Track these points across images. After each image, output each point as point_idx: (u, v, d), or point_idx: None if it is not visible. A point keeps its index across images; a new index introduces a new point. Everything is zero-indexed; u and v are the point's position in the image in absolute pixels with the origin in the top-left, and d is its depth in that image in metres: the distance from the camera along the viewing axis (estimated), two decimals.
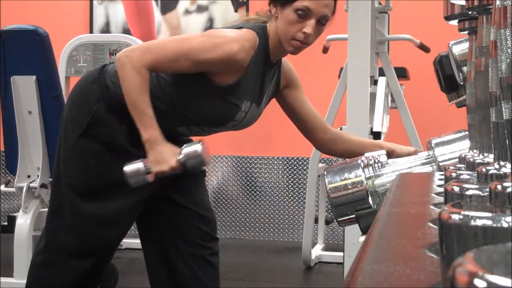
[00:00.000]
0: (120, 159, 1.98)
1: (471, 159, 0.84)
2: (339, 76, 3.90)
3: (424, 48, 3.98)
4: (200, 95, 1.91)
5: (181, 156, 1.84)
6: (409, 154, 1.92)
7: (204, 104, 1.91)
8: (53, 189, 2.08)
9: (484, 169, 0.63)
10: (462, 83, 1.61)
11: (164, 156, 1.84)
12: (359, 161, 1.46)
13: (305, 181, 4.61)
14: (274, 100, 2.14)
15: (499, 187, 0.50)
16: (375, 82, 3.61)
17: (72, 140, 1.98)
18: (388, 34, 3.87)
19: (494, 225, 0.44)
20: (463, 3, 0.89)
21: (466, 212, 0.46)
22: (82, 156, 1.98)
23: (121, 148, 1.97)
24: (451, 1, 1.04)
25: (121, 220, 2.03)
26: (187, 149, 1.84)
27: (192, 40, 1.87)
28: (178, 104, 1.92)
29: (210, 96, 1.90)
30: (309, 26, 1.85)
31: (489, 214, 0.45)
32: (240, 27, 1.91)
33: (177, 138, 2.09)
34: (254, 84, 1.94)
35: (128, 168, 1.85)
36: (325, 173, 1.47)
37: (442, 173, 1.09)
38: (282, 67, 2.07)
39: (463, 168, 0.87)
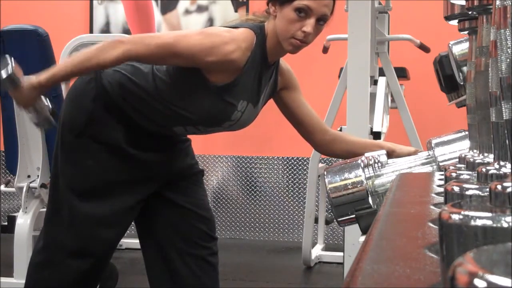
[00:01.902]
0: (117, 158, 1.98)
1: (471, 159, 0.84)
2: (339, 76, 3.90)
3: (424, 48, 3.98)
4: (196, 94, 1.91)
5: (36, 109, 1.93)
6: (409, 154, 1.92)
7: (200, 103, 1.91)
8: (51, 189, 2.08)
9: (484, 169, 0.63)
10: (462, 83, 1.61)
11: (30, 99, 1.90)
12: (359, 161, 1.46)
13: (305, 181, 4.61)
14: (273, 100, 2.14)
15: (499, 187, 0.50)
16: (375, 82, 3.61)
17: (70, 140, 1.99)
18: (388, 34, 3.87)
19: (494, 225, 0.44)
20: (463, 3, 0.88)
21: (466, 212, 0.46)
22: (80, 156, 1.98)
23: (118, 147, 1.97)
24: (451, 1, 1.04)
25: (120, 220, 2.03)
26: (43, 111, 1.94)
27: (189, 37, 1.87)
28: (174, 103, 1.92)
29: (206, 95, 1.90)
30: (308, 25, 1.85)
31: (489, 214, 0.45)
32: (237, 27, 1.91)
33: (173, 138, 2.09)
34: (251, 84, 1.94)
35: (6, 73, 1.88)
36: (325, 173, 1.47)
37: (442, 173, 1.09)
38: (280, 68, 2.06)
39: (463, 168, 0.87)
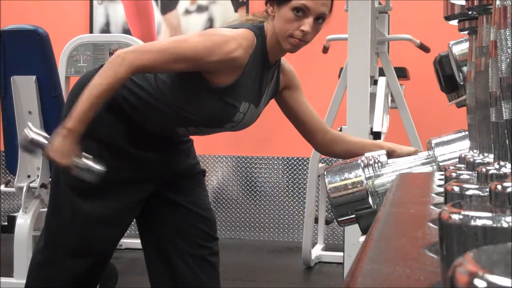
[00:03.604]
0: (118, 158, 1.98)
1: (471, 159, 0.84)
2: (339, 76, 3.90)
3: (424, 48, 3.98)
4: (197, 95, 1.91)
5: (80, 162, 1.82)
6: (409, 154, 1.92)
7: (201, 105, 1.91)
8: (52, 188, 2.08)
9: (484, 169, 0.63)
10: (462, 83, 1.60)
11: (66, 150, 1.81)
12: (359, 161, 1.46)
13: (305, 181, 4.61)
14: (274, 100, 2.14)
15: (499, 187, 0.50)
16: (375, 82, 3.61)
17: None
18: (388, 34, 3.87)
19: (494, 225, 0.44)
20: (463, 3, 0.89)
21: (466, 212, 0.46)
22: None
23: (119, 147, 1.98)
24: (451, 1, 1.04)
25: (120, 220, 2.03)
26: (88, 161, 1.83)
27: (191, 41, 1.87)
28: (175, 104, 1.92)
29: (208, 97, 1.90)
30: (307, 24, 1.84)
31: (489, 214, 0.45)
32: (237, 27, 1.91)
33: (174, 138, 2.09)
34: (252, 85, 1.94)
35: (34, 135, 1.84)
36: (325, 173, 1.47)
37: (442, 173, 1.09)
38: (282, 68, 2.06)
39: (463, 168, 0.87)
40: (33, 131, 1.85)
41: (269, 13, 1.92)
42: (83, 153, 1.83)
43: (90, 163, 1.83)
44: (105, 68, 1.82)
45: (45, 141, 1.83)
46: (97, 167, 1.83)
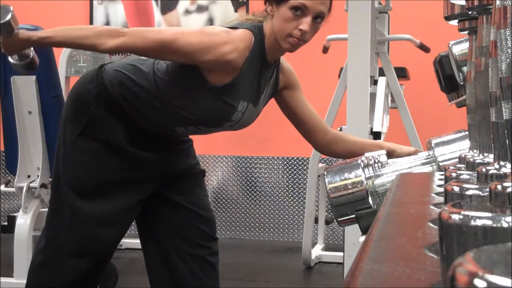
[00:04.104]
0: (118, 158, 1.98)
1: (471, 159, 0.84)
2: (339, 76, 3.90)
3: (424, 48, 3.98)
4: (195, 94, 1.91)
5: (13, 60, 1.94)
6: (409, 154, 1.92)
7: (199, 104, 1.91)
8: (52, 188, 2.08)
9: (484, 169, 0.63)
10: (462, 83, 1.60)
11: (15, 44, 1.87)
12: (359, 161, 1.46)
13: (305, 181, 4.61)
14: (273, 100, 2.14)
15: (499, 187, 0.50)
16: (375, 82, 3.61)
17: (71, 139, 1.99)
18: (388, 34, 3.87)
19: (494, 225, 0.44)
20: (463, 3, 0.88)
21: (466, 212, 0.46)
22: (81, 155, 1.99)
23: (119, 147, 1.98)
24: (451, 1, 1.04)
25: (120, 220, 2.03)
26: (20, 58, 1.94)
27: (188, 35, 1.87)
28: (174, 103, 1.92)
29: (206, 96, 1.90)
30: (305, 23, 1.84)
31: (489, 214, 0.45)
32: (236, 27, 1.91)
33: (174, 138, 2.09)
34: (250, 84, 1.94)
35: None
36: (325, 173, 1.47)
37: (442, 173, 1.09)
38: (281, 67, 2.06)
39: (463, 168, 0.87)
40: None
41: (268, 12, 1.92)
42: (24, 52, 1.93)
43: (15, 61, 1.95)
44: (101, 33, 1.86)
45: (12, 30, 1.88)
46: (30, 64, 1.95)
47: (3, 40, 1.87)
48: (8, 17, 1.84)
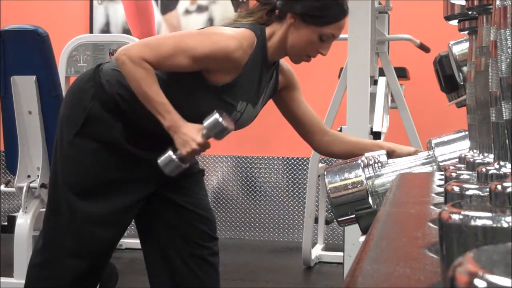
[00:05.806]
0: (116, 157, 1.98)
1: (471, 159, 0.84)
2: (339, 76, 3.90)
3: (424, 48, 3.98)
4: (195, 93, 1.91)
5: (204, 131, 1.84)
6: (409, 154, 1.92)
7: (199, 103, 1.91)
8: (50, 188, 2.08)
9: (484, 169, 0.63)
10: (462, 83, 1.60)
11: (188, 136, 1.82)
12: (359, 161, 1.46)
13: (305, 181, 4.61)
14: (273, 100, 2.14)
15: (499, 187, 0.50)
16: (375, 82, 3.61)
17: (68, 139, 1.98)
18: (388, 34, 3.87)
19: (494, 225, 0.44)
20: (463, 3, 0.89)
21: (466, 212, 0.46)
22: (78, 155, 1.98)
23: (117, 146, 1.97)
24: (451, 1, 1.04)
25: (119, 220, 2.03)
26: (207, 122, 1.84)
27: (190, 37, 1.87)
28: (174, 103, 1.92)
29: (205, 95, 1.90)
30: (326, 49, 1.96)
31: (489, 214, 0.45)
32: (238, 27, 1.91)
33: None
34: (251, 84, 1.94)
35: (160, 159, 1.86)
36: (325, 173, 1.47)
37: (442, 173, 1.08)
38: (281, 68, 2.06)
39: (463, 168, 0.87)
40: (160, 159, 1.87)
41: (286, 21, 1.92)
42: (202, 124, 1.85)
43: (211, 121, 1.84)
44: (125, 76, 1.85)
45: (171, 152, 1.85)
46: (218, 119, 1.83)
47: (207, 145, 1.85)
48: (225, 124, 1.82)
